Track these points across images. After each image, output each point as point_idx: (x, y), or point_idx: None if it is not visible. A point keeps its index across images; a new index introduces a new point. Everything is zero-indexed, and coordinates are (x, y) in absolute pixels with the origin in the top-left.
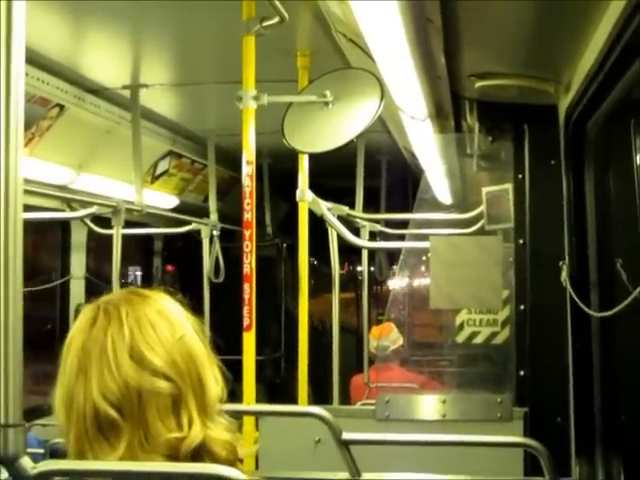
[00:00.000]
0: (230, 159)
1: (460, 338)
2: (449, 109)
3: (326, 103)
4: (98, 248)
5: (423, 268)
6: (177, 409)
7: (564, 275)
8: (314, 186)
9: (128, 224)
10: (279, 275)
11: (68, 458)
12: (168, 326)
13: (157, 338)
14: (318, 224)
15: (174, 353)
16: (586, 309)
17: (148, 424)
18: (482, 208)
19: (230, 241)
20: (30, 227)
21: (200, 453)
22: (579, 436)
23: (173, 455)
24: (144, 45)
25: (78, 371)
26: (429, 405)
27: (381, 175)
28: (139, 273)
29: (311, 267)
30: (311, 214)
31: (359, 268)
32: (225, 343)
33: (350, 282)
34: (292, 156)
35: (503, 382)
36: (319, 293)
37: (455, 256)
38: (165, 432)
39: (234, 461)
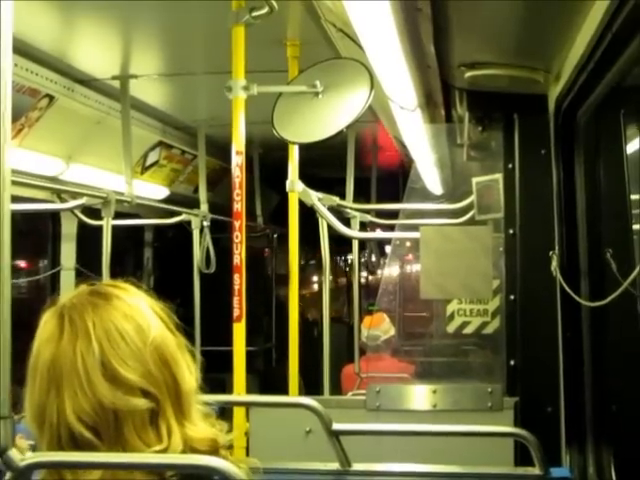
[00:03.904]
0: (220, 149)
1: (451, 328)
2: (439, 99)
3: (316, 93)
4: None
5: (413, 258)
6: (155, 422)
7: (554, 265)
8: (305, 176)
9: (118, 215)
10: (270, 265)
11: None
12: (137, 331)
13: (129, 350)
14: (310, 214)
15: (148, 362)
16: (577, 298)
17: (126, 442)
18: (472, 198)
19: (221, 231)
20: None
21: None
22: (570, 426)
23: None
24: (134, 36)
25: (49, 386)
26: (420, 395)
27: (371, 165)
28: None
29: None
30: (302, 204)
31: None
32: (216, 334)
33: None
34: (283, 146)
35: (493, 372)
36: None
37: (445, 246)
38: (144, 448)
39: (217, 452)
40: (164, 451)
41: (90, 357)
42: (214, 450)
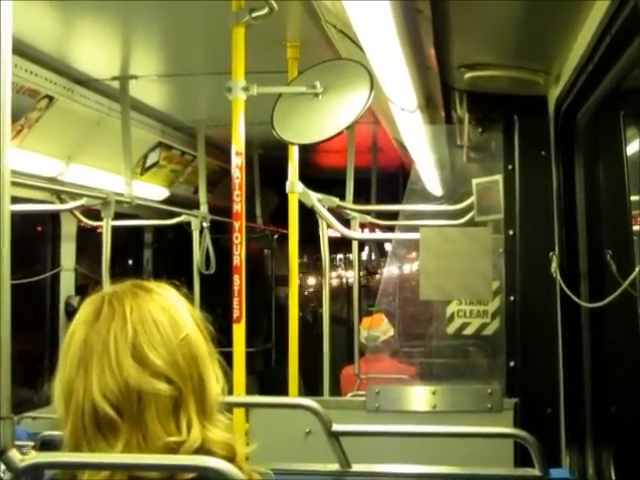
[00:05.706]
0: (220, 150)
1: (450, 329)
2: (439, 100)
3: (316, 94)
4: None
5: (413, 259)
6: (177, 412)
7: (554, 266)
8: (305, 177)
9: (118, 216)
10: (270, 266)
11: (63, 450)
12: (172, 325)
13: (160, 338)
14: (310, 214)
15: (176, 354)
16: (576, 299)
17: (147, 426)
18: (472, 199)
19: (221, 232)
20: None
21: (199, 455)
22: (569, 427)
23: None
24: (133, 36)
25: (79, 365)
26: (419, 396)
27: (371, 167)
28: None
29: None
30: (302, 205)
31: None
32: (216, 334)
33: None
34: (283, 147)
35: (493, 373)
36: None
37: (445, 247)
38: (164, 435)
39: (233, 460)
40: (182, 444)
41: (122, 338)
42: (231, 457)
